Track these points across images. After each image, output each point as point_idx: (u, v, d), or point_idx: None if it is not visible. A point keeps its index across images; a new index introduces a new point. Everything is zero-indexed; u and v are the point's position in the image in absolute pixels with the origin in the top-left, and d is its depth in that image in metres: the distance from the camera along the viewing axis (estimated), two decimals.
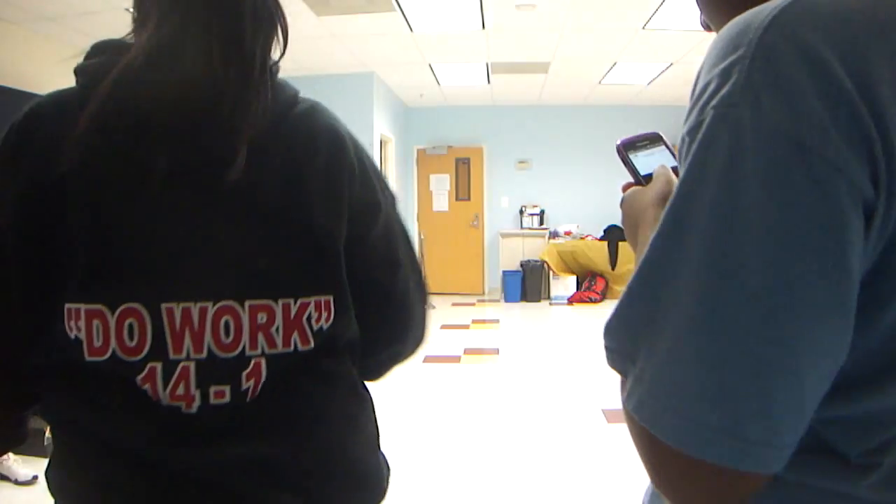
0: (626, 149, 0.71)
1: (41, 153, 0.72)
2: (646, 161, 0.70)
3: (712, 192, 0.42)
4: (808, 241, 0.40)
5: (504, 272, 8.20)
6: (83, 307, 0.67)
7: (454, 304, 8.13)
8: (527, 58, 5.91)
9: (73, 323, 0.67)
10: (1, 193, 0.70)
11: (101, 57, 0.78)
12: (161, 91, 0.67)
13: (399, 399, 4.65)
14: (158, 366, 0.68)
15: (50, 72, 4.77)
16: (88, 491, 0.71)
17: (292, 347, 0.73)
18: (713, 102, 0.43)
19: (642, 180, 0.69)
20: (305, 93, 0.84)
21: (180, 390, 0.69)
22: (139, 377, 0.68)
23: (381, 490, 0.84)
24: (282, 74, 0.80)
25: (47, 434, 3.24)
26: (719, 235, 0.41)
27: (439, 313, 7.59)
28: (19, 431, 0.77)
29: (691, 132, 0.45)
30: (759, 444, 0.41)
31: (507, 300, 8.12)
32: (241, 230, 0.72)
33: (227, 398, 0.70)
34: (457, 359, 5.37)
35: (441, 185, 8.92)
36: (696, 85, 0.46)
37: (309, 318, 0.75)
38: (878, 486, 0.46)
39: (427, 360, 5.39)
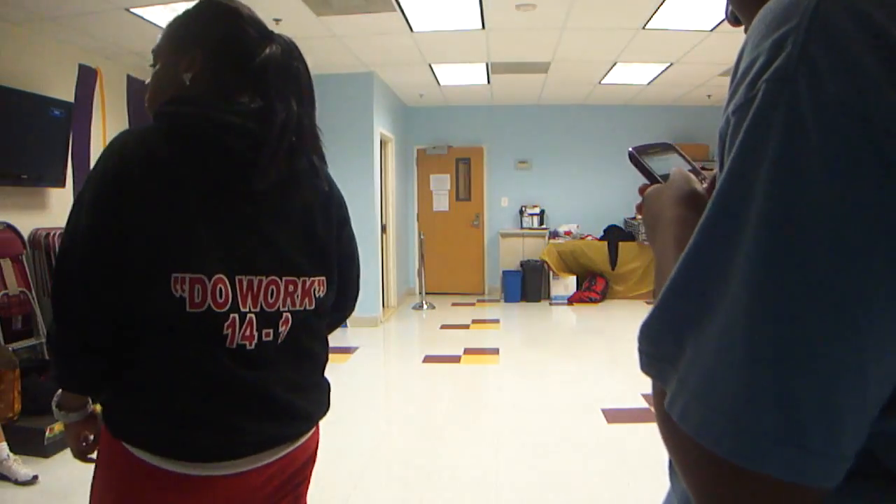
0: (640, 153, 0.71)
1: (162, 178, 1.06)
2: (660, 164, 0.70)
3: (769, 175, 0.38)
4: (878, 227, 0.36)
5: (504, 272, 8.20)
6: (188, 276, 1.02)
7: (454, 304, 8.13)
8: (527, 58, 5.91)
9: (178, 286, 1.02)
10: (134, 206, 1.02)
11: (187, 107, 1.10)
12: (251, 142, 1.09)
13: (399, 399, 4.65)
14: (236, 316, 1.06)
15: (50, 72, 4.77)
16: (185, 404, 1.04)
17: (304, 307, 1.17)
18: (766, 76, 0.39)
19: (660, 180, 0.68)
20: None
21: (248, 332, 1.08)
22: (226, 323, 1.05)
23: (330, 398, 1.31)
24: None
25: (47, 434, 3.24)
26: (778, 222, 0.38)
27: (439, 313, 7.59)
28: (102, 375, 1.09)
29: (739, 110, 0.41)
30: (821, 454, 0.37)
31: (507, 300, 8.12)
32: (280, 235, 1.14)
33: (271, 338, 1.11)
34: (457, 359, 5.37)
35: (441, 185, 8.92)
36: (738, 63, 0.43)
37: (314, 290, 1.19)
38: None
39: (427, 360, 5.39)
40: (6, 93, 4.15)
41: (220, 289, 1.04)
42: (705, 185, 0.65)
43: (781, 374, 0.37)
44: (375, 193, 6.72)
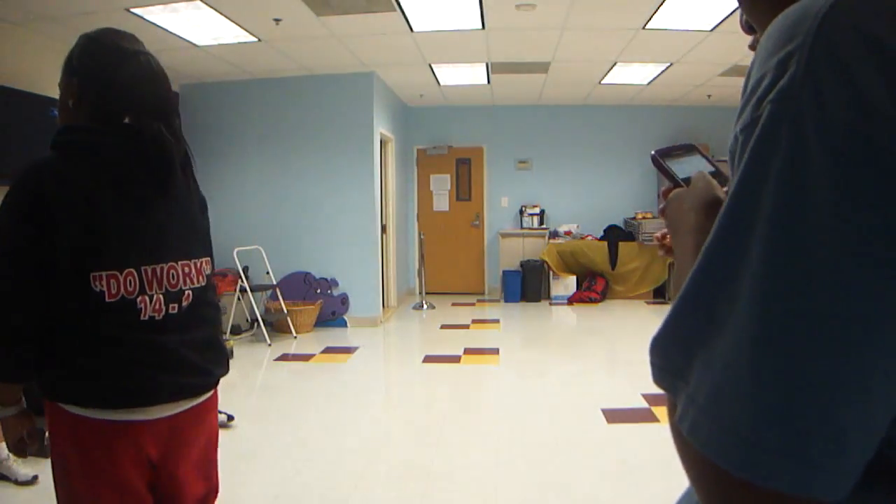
0: (662, 156, 0.71)
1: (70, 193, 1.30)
2: (682, 167, 0.70)
3: (774, 195, 0.38)
4: (881, 248, 0.36)
5: (504, 272, 8.20)
6: (104, 273, 1.30)
7: (454, 304, 8.13)
8: (527, 58, 5.91)
9: (96, 282, 1.29)
10: (47, 218, 1.27)
11: (75, 135, 1.35)
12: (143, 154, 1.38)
13: (399, 399, 4.65)
14: (146, 297, 1.35)
15: (50, 72, 4.77)
16: (112, 366, 1.31)
17: (198, 284, 1.47)
18: (770, 96, 0.39)
19: (682, 183, 0.68)
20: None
21: (156, 307, 1.37)
22: (138, 301, 1.34)
23: (228, 361, 1.57)
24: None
25: (47, 434, 3.24)
26: (782, 242, 0.38)
27: (439, 313, 7.59)
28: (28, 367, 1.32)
29: (746, 129, 0.41)
30: (825, 468, 0.37)
31: (507, 300, 8.12)
32: (173, 227, 1.43)
33: (176, 311, 1.41)
34: (457, 359, 5.37)
35: (441, 185, 8.92)
36: (748, 80, 0.43)
37: (203, 268, 1.49)
38: None
39: (427, 360, 5.39)
40: (6, 93, 4.15)
41: (130, 280, 1.33)
42: (726, 190, 0.64)
43: (785, 391, 0.38)
44: (375, 193, 6.72)
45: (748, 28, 0.58)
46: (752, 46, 0.56)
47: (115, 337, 1.32)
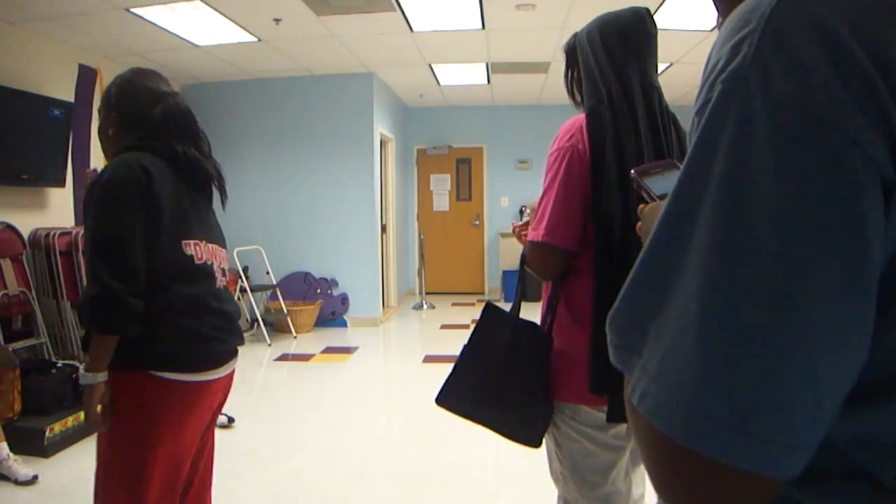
0: (640, 175, 0.74)
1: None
2: (661, 183, 0.72)
3: (720, 168, 0.39)
4: (823, 216, 0.37)
5: (504, 272, 8.20)
6: (191, 241, 1.61)
7: (454, 304, 8.13)
8: (527, 58, 5.91)
9: (187, 248, 1.59)
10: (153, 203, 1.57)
11: (157, 143, 1.64)
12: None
13: (399, 399, 4.66)
14: (215, 266, 1.67)
15: (50, 72, 4.77)
16: (194, 325, 1.56)
17: (227, 266, 1.77)
18: (722, 76, 0.41)
19: (656, 199, 0.70)
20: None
21: (219, 277, 1.69)
22: (214, 271, 1.66)
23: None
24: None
25: (47, 434, 3.24)
26: (728, 213, 0.39)
27: (439, 313, 7.59)
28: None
29: (700, 111, 0.43)
30: (770, 441, 0.37)
31: (507, 300, 8.11)
32: (212, 220, 1.77)
33: (224, 284, 1.72)
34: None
35: (441, 185, 8.92)
36: (705, 68, 0.45)
37: (226, 256, 1.78)
38: None
39: (427, 360, 5.39)
40: (6, 93, 4.15)
41: (203, 250, 1.64)
42: None
43: (730, 363, 0.38)
44: (375, 193, 6.72)
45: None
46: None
47: (200, 299, 1.59)
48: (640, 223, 0.70)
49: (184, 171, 1.64)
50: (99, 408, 1.50)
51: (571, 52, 1.55)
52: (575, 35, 1.55)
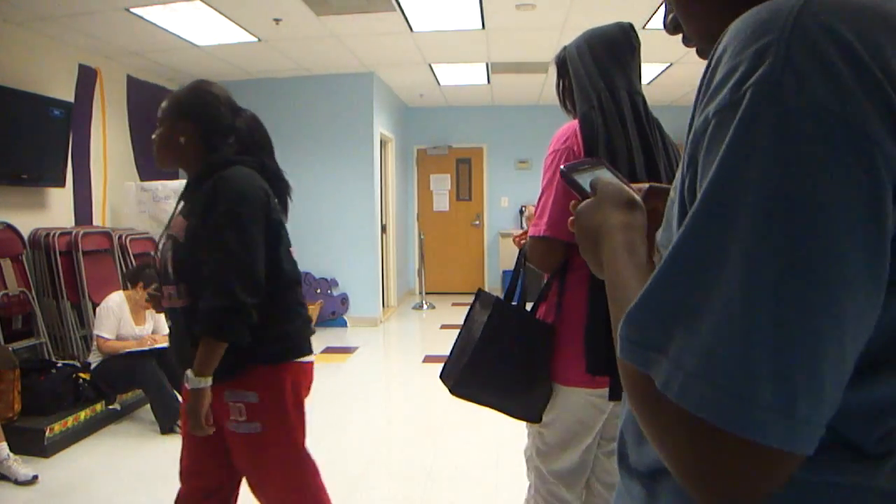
0: (570, 171, 0.75)
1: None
2: (591, 180, 0.73)
3: (761, 169, 0.42)
4: (856, 214, 0.41)
5: (504, 272, 8.20)
6: (292, 249, 1.76)
7: (454, 304, 8.13)
8: (527, 58, 5.91)
9: (292, 254, 1.76)
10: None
11: (243, 160, 1.73)
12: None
13: (399, 399, 4.66)
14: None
15: (50, 72, 4.77)
16: (298, 323, 1.75)
17: None
18: (751, 81, 0.43)
19: (590, 195, 0.71)
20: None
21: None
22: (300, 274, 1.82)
23: None
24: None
25: (47, 434, 3.24)
26: (771, 211, 0.41)
27: (439, 313, 7.59)
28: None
29: (723, 111, 0.45)
30: (806, 422, 0.41)
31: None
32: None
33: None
34: None
35: (441, 185, 8.92)
36: (715, 69, 0.47)
37: None
38: (892, 473, 0.47)
39: (427, 360, 5.39)
40: (6, 93, 4.15)
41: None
42: (641, 192, 0.71)
43: (776, 351, 0.41)
44: (375, 193, 6.72)
45: (672, 28, 0.63)
46: (686, 44, 0.62)
47: (301, 302, 1.78)
48: (572, 219, 0.71)
49: (273, 184, 1.74)
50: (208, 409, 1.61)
51: (562, 63, 1.69)
52: (564, 48, 1.69)
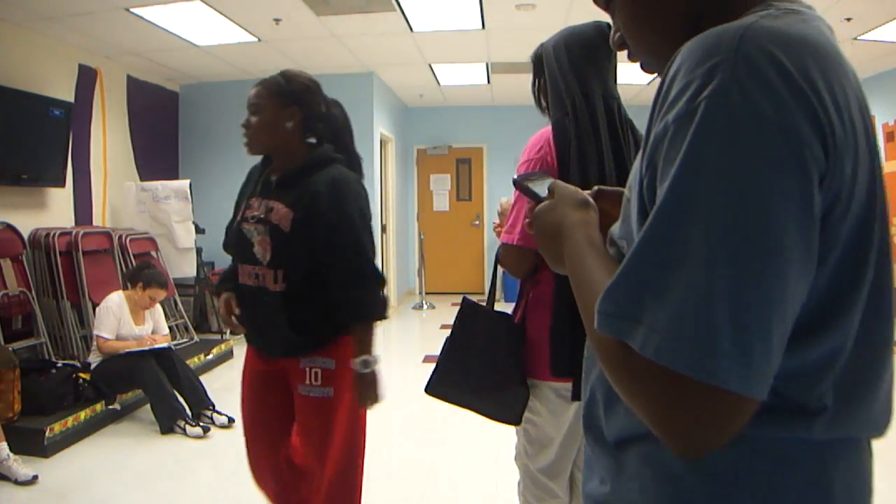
0: (523, 180, 0.85)
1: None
2: (542, 188, 0.82)
3: (716, 166, 0.51)
4: (792, 200, 0.51)
5: (504, 272, 8.18)
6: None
7: (454, 304, 8.09)
8: (527, 58, 5.89)
9: None
10: None
11: (344, 156, 1.93)
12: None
13: (399, 399, 4.65)
14: None
15: (50, 72, 4.77)
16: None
17: None
18: (704, 94, 0.52)
19: (544, 200, 0.79)
20: None
21: None
22: None
23: None
24: None
25: (47, 434, 3.24)
26: (728, 199, 0.50)
27: (439, 313, 7.59)
28: None
29: (681, 119, 0.53)
30: (758, 370, 0.50)
31: (507, 300, 8.11)
32: None
33: None
34: None
35: (441, 185, 8.92)
36: (671, 84, 0.56)
37: None
38: (826, 425, 0.57)
39: (427, 359, 5.40)
40: (6, 93, 4.15)
41: None
42: (591, 193, 0.80)
43: (733, 313, 0.49)
44: (375, 193, 6.72)
45: (619, 46, 0.73)
46: (631, 59, 0.73)
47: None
48: (528, 220, 0.80)
49: (357, 171, 1.93)
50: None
51: (538, 61, 1.72)
52: (542, 45, 1.72)
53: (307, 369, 1.79)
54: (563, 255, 0.73)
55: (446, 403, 1.65)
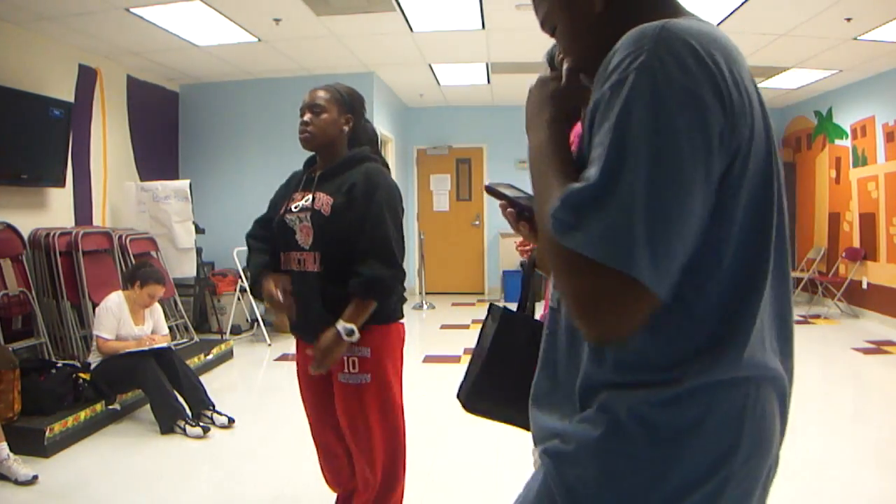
0: (497, 187, 0.98)
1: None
2: (510, 191, 0.97)
3: (645, 119, 0.67)
4: (697, 146, 0.68)
5: (504, 272, 8.20)
6: None
7: (454, 304, 8.12)
8: (527, 58, 5.91)
9: None
10: None
11: (377, 157, 2.16)
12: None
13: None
14: None
15: (50, 72, 4.77)
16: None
17: None
18: (633, 66, 0.69)
19: (516, 202, 0.95)
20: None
21: None
22: None
23: None
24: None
25: (47, 434, 3.24)
26: (654, 143, 0.67)
27: (439, 313, 7.59)
28: None
29: (615, 86, 0.70)
30: (664, 270, 0.68)
31: (507, 300, 8.12)
32: None
33: None
34: (457, 359, 5.38)
35: (441, 185, 8.92)
36: (607, 66, 0.72)
37: None
38: (736, 361, 0.74)
39: (427, 360, 5.40)
40: (6, 93, 4.15)
41: None
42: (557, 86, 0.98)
43: (649, 225, 0.66)
44: None
45: (551, 32, 1.00)
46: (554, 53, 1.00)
47: (404, 273, 2.14)
48: (510, 211, 0.96)
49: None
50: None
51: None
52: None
53: (345, 358, 1.98)
54: (538, 126, 0.89)
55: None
